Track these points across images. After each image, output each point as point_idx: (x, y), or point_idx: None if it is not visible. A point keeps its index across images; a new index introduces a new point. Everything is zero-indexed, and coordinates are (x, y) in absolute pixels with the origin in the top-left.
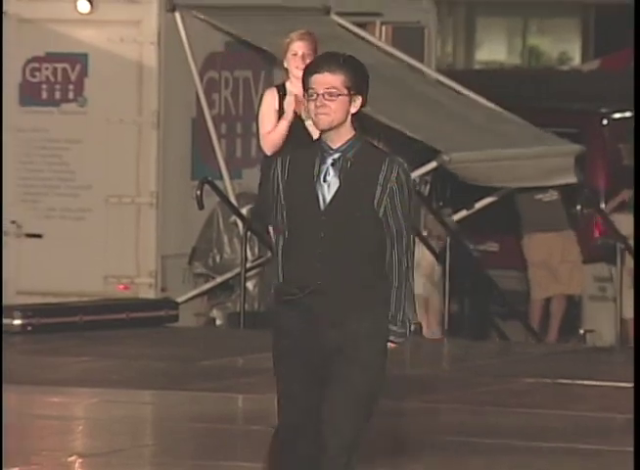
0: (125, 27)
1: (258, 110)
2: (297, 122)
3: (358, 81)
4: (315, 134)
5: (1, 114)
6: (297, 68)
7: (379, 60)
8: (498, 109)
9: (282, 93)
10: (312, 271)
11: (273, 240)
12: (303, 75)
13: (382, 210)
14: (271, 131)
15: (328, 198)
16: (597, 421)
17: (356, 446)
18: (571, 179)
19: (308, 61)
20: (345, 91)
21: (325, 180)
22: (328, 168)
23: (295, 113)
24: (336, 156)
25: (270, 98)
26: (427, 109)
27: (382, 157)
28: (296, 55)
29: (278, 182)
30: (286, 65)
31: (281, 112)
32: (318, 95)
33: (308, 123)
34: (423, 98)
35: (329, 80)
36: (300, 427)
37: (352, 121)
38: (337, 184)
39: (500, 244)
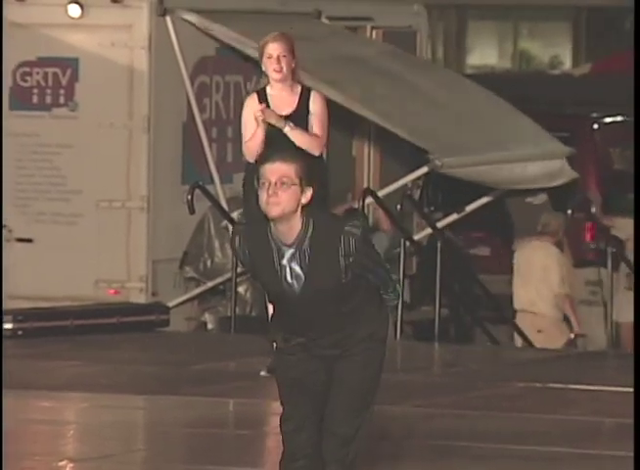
0: (116, 32)
1: (240, 116)
2: (277, 129)
3: (309, 174)
4: (296, 140)
5: (1, 117)
6: (273, 70)
7: (376, 52)
8: (496, 103)
9: (263, 98)
10: (300, 328)
11: None
12: (257, 165)
13: (349, 275)
14: (251, 139)
15: (297, 288)
16: (588, 425)
17: (354, 444)
18: (560, 182)
19: (284, 62)
20: (297, 181)
21: (291, 277)
22: (287, 266)
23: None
24: (291, 251)
25: (251, 103)
26: (422, 104)
27: (336, 234)
28: (271, 57)
29: (245, 260)
30: (264, 68)
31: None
32: (270, 184)
33: (286, 130)
34: (418, 93)
35: (282, 169)
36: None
37: (302, 212)
38: (302, 277)
39: (491, 248)
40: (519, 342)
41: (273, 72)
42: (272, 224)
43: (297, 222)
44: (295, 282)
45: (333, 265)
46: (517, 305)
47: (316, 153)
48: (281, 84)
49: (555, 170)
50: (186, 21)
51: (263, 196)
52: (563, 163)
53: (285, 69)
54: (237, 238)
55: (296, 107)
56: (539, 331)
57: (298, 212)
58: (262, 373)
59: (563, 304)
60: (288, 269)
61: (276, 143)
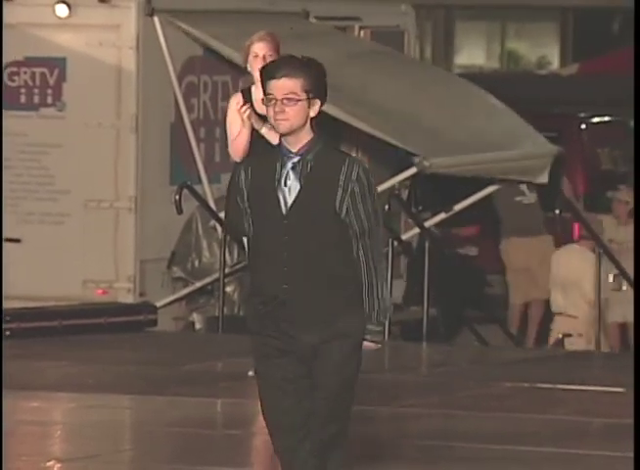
0: (104, 32)
1: (225, 116)
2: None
3: (317, 85)
4: (274, 141)
5: (1, 117)
6: (258, 70)
7: (364, 49)
8: (486, 100)
9: (248, 97)
10: (278, 277)
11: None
12: (261, 80)
13: (344, 210)
14: (237, 136)
15: (289, 202)
16: (576, 425)
17: (336, 447)
18: (543, 180)
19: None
20: (304, 96)
21: (286, 184)
22: (288, 172)
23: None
24: (295, 159)
25: (235, 103)
26: (410, 102)
27: (342, 158)
28: (257, 57)
29: (242, 190)
30: (249, 68)
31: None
32: (277, 101)
33: (263, 131)
34: (408, 90)
35: (287, 86)
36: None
37: (312, 124)
38: (297, 188)
39: (479, 248)
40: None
41: (257, 72)
42: (282, 139)
43: (306, 134)
44: (287, 196)
45: (330, 187)
46: (554, 308)
47: None
48: None
49: (541, 166)
50: (172, 23)
51: (270, 113)
52: (547, 162)
53: None
54: (242, 167)
55: None
56: (575, 335)
57: (307, 125)
58: (250, 373)
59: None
60: (284, 179)
61: (262, 142)
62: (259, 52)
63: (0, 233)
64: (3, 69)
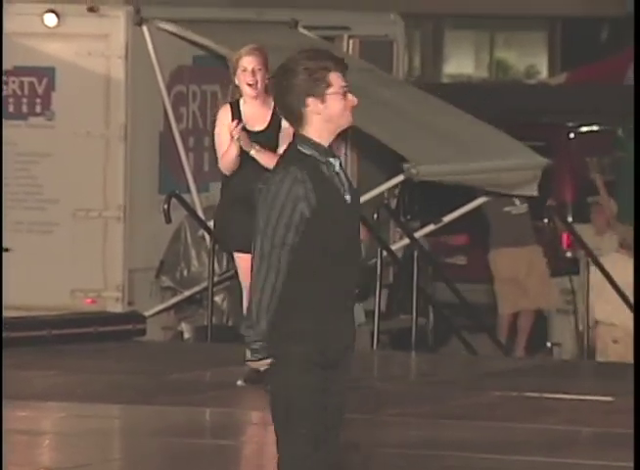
0: (93, 41)
1: (213, 128)
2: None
3: None
4: (264, 161)
5: (1, 124)
6: (247, 84)
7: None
8: (470, 117)
9: (236, 110)
10: (346, 326)
11: (240, 266)
12: (333, 71)
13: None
14: (226, 151)
15: (350, 204)
16: (565, 434)
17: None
18: (532, 192)
19: (259, 76)
20: None
21: (347, 190)
22: (340, 175)
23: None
24: (338, 161)
25: (223, 116)
26: (397, 117)
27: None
28: (245, 70)
29: (306, 207)
30: (237, 82)
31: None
32: (346, 91)
33: (252, 153)
34: (393, 106)
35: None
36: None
37: None
38: (348, 186)
39: (468, 257)
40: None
41: (247, 87)
42: (328, 139)
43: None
44: (348, 196)
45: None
46: (597, 315)
47: None
48: (254, 98)
49: (528, 181)
50: (163, 29)
51: (346, 105)
52: (537, 175)
53: (259, 82)
54: (300, 184)
55: (268, 122)
56: (615, 342)
57: None
58: (239, 382)
59: None
60: (345, 186)
61: (248, 160)
62: (248, 66)
63: (0, 242)
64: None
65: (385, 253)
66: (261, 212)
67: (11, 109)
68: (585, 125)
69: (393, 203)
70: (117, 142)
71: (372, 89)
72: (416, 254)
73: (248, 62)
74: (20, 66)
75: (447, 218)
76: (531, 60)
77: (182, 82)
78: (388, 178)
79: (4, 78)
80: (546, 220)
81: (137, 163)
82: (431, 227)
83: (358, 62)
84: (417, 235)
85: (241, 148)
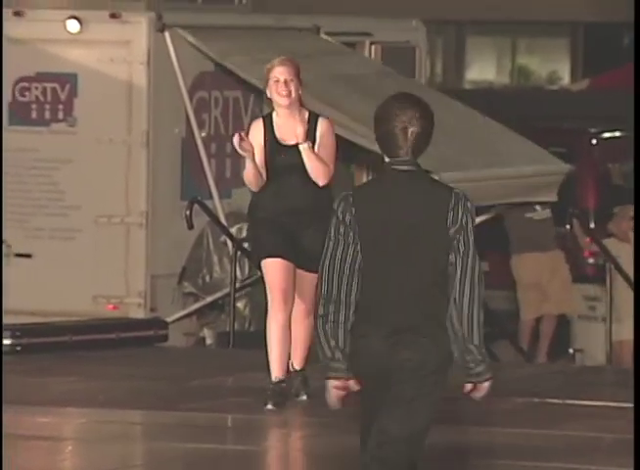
0: (115, 47)
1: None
2: (283, 158)
3: None
4: (308, 160)
5: (1, 131)
6: (279, 94)
7: (372, 71)
8: (492, 123)
9: (269, 123)
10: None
11: (267, 271)
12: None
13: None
14: (246, 168)
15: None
16: (587, 441)
17: None
18: (552, 198)
19: (292, 87)
20: None
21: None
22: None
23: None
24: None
25: (254, 131)
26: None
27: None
28: (278, 81)
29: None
30: (269, 93)
31: (267, 143)
32: None
33: (303, 147)
34: None
35: None
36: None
37: None
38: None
39: (490, 263)
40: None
41: (280, 97)
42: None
43: None
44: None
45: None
46: (626, 335)
47: (322, 182)
48: (287, 110)
49: (550, 184)
50: (183, 38)
51: None
52: (558, 180)
53: (293, 93)
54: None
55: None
56: None
57: None
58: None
59: None
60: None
61: (280, 174)
62: (280, 76)
63: (0, 245)
64: (13, 84)
65: None
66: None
67: (33, 115)
68: (607, 131)
69: None
70: (140, 148)
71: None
72: None
73: (280, 72)
74: (42, 72)
75: None
76: (553, 66)
77: (204, 88)
78: None
79: (26, 85)
80: (568, 226)
81: (159, 169)
82: None
83: (379, 66)
84: None
85: (267, 163)
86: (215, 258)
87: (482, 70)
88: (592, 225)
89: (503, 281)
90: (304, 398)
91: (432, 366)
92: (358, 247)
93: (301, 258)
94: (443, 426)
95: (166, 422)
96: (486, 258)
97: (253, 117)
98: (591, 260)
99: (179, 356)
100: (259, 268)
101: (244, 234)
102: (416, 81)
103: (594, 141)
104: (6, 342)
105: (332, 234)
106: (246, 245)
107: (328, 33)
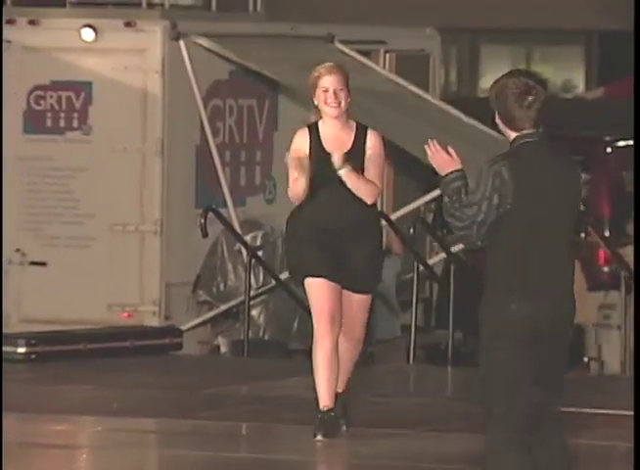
0: (130, 56)
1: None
2: (327, 172)
3: None
4: (350, 183)
5: (1, 140)
6: (327, 104)
7: (386, 86)
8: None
9: (315, 134)
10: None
11: (311, 291)
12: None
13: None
14: (295, 180)
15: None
16: (601, 449)
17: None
18: None
19: (342, 96)
20: None
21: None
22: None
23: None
24: None
25: (299, 140)
26: (435, 134)
27: None
28: (326, 91)
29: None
30: (316, 102)
31: (313, 154)
32: None
33: (342, 172)
34: (430, 123)
35: None
36: None
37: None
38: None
39: None
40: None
41: (328, 107)
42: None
43: None
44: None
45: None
46: None
47: (369, 201)
48: (335, 120)
49: None
50: (199, 45)
51: None
52: None
53: (342, 103)
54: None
55: (350, 147)
56: None
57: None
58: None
59: None
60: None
61: (325, 187)
62: (329, 86)
63: (0, 259)
64: (28, 92)
65: (421, 267)
66: None
67: (48, 123)
68: (622, 139)
69: (430, 217)
70: (154, 156)
71: (406, 103)
72: (453, 268)
73: (328, 82)
74: (57, 80)
75: None
76: (568, 74)
77: (219, 96)
78: (425, 193)
79: (41, 93)
80: (583, 235)
81: (174, 177)
82: None
83: (392, 76)
84: (454, 249)
85: (313, 174)
86: (230, 267)
87: (497, 78)
88: (607, 233)
89: None
90: (344, 428)
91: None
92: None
93: (348, 279)
94: (461, 435)
95: (181, 430)
96: None
97: (268, 126)
98: (606, 269)
99: (193, 365)
100: (300, 286)
101: (258, 242)
102: (421, 99)
103: (609, 149)
104: (21, 350)
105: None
106: (260, 253)
107: (342, 42)
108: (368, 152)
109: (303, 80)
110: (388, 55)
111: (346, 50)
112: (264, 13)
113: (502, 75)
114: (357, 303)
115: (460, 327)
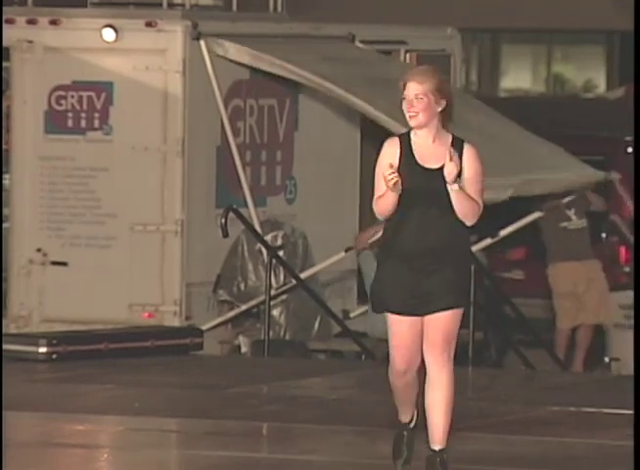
0: (150, 56)
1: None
2: (419, 187)
3: None
4: (456, 201)
5: (1, 137)
6: (408, 114)
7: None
8: (527, 132)
9: (406, 145)
10: None
11: (393, 329)
12: None
13: None
14: (382, 195)
15: None
16: (623, 450)
17: None
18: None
19: (420, 106)
20: None
21: None
22: None
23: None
24: None
25: (388, 151)
26: (460, 130)
27: None
28: (405, 99)
29: None
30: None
31: (403, 166)
32: None
33: (453, 188)
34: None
35: None
36: None
37: None
38: None
39: (526, 272)
40: None
41: (407, 118)
42: None
43: None
44: None
45: None
46: None
47: (469, 222)
48: (426, 130)
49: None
50: (220, 55)
51: None
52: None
53: (421, 114)
54: None
55: (445, 161)
56: None
57: None
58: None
59: None
60: None
61: (418, 201)
62: (409, 93)
63: (0, 253)
64: (49, 92)
65: None
66: None
67: (69, 123)
68: None
69: None
70: (175, 156)
71: None
72: (473, 268)
73: (409, 88)
74: (78, 80)
75: (504, 232)
76: (589, 74)
77: (239, 96)
78: None
79: (62, 93)
80: (604, 235)
81: (194, 177)
82: (487, 241)
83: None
84: (474, 249)
85: (403, 187)
86: (250, 266)
87: (518, 78)
88: (628, 234)
89: (540, 290)
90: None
91: None
92: None
93: (432, 302)
94: (480, 435)
95: (202, 430)
96: (523, 267)
97: (288, 125)
98: (627, 269)
99: (214, 364)
100: (378, 312)
101: (279, 242)
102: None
103: (630, 149)
104: (42, 350)
105: None
106: (281, 253)
107: (363, 41)
108: (465, 167)
109: (326, 69)
110: (408, 55)
111: (367, 50)
112: (285, 13)
113: None
114: (442, 318)
115: (480, 327)
